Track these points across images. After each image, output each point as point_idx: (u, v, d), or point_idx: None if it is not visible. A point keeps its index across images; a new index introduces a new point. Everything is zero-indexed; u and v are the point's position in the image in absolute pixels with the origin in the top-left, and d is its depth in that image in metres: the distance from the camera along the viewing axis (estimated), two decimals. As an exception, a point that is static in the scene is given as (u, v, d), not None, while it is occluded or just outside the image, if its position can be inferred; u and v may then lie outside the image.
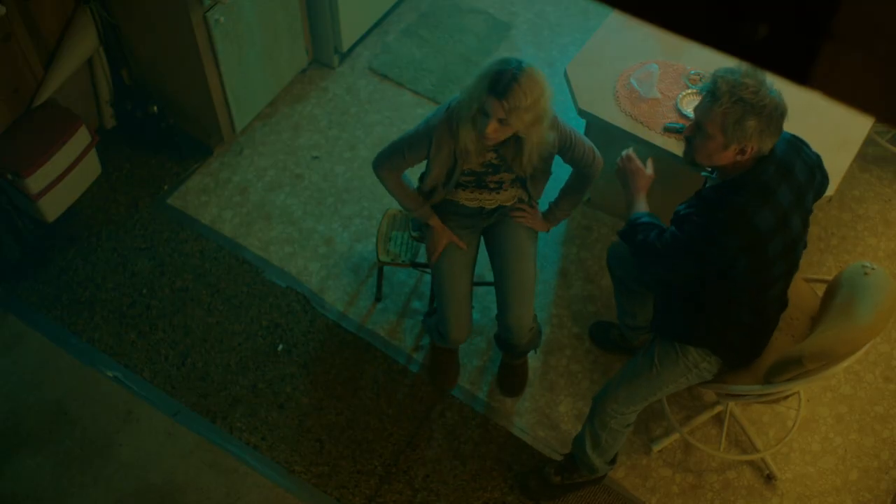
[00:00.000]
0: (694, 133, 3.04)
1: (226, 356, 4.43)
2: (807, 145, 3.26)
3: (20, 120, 4.62)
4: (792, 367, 3.25)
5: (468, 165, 3.56)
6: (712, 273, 3.13)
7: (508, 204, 3.80)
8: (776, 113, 2.89)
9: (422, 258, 4.38)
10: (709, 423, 4.22)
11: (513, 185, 3.72)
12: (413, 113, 5.28)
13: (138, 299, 4.61)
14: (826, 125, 3.97)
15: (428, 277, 4.53)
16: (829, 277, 3.71)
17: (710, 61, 4.18)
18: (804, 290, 3.76)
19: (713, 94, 2.91)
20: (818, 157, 3.28)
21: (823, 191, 3.36)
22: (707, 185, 3.26)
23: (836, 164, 3.86)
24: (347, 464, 4.13)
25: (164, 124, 5.07)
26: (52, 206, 4.71)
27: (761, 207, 2.99)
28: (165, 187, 5.02)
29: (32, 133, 4.59)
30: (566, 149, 3.60)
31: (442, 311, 3.91)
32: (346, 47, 5.46)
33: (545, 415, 4.23)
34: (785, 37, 1.08)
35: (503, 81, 3.19)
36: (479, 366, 4.39)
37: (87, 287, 4.66)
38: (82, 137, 4.71)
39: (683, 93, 4.10)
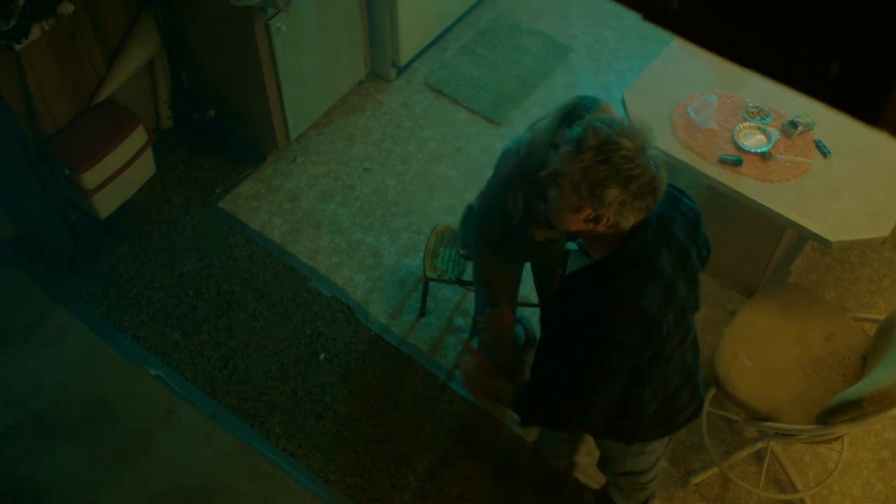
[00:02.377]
0: (550, 182, 2.54)
1: (267, 362, 4.45)
2: (686, 196, 2.84)
3: (80, 116, 4.70)
4: (850, 409, 3.20)
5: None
6: (624, 382, 2.67)
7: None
8: (647, 188, 2.41)
9: (468, 276, 4.38)
10: (748, 459, 4.17)
11: None
12: (467, 131, 5.29)
13: (185, 300, 4.65)
14: (883, 164, 3.93)
15: (472, 295, 4.52)
16: (881, 317, 3.66)
17: (769, 94, 4.16)
18: (854, 328, 3.71)
19: (578, 143, 2.40)
20: (698, 212, 2.84)
21: (709, 248, 2.98)
22: (568, 272, 2.76)
23: (891, 204, 3.81)
24: (382, 477, 4.13)
25: (220, 128, 5.12)
26: (106, 203, 4.78)
27: (646, 283, 2.56)
28: (218, 190, 5.07)
29: (91, 130, 4.66)
30: None
31: None
32: (403, 61, 5.49)
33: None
34: (857, 75, 1.07)
35: (578, 114, 2.89)
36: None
37: (136, 284, 4.71)
38: (139, 136, 4.78)
39: (741, 125, 4.07)
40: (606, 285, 2.56)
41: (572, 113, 2.94)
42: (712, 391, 3.90)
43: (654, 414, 2.89)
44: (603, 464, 3.50)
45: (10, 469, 4.17)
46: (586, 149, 2.38)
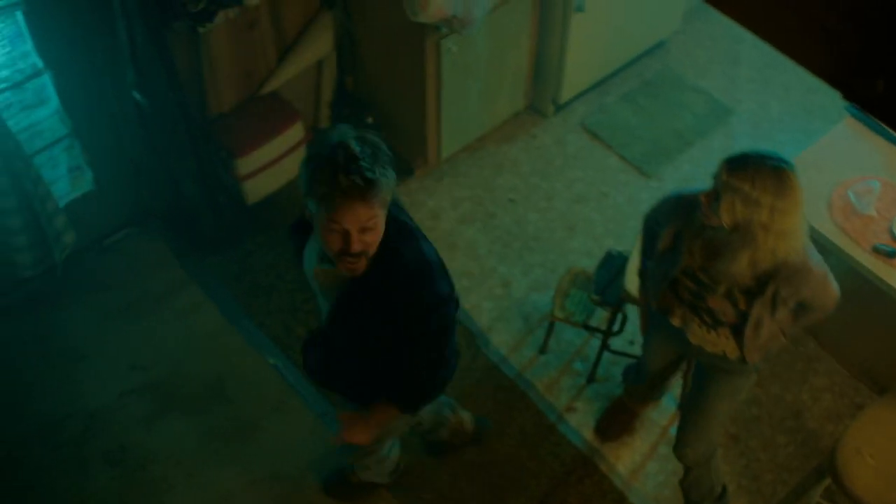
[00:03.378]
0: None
1: (383, 371, 4.49)
2: None
3: (245, 104, 4.84)
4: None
5: (689, 259, 3.13)
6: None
7: (712, 351, 3.35)
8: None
9: (595, 321, 4.35)
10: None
11: (723, 325, 3.24)
12: (616, 178, 5.26)
13: (312, 297, 4.69)
14: None
15: (595, 342, 4.49)
16: None
17: (936, 191, 4.03)
18: None
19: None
20: None
21: None
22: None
23: None
24: (476, 505, 4.12)
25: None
26: (255, 190, 4.90)
27: (419, 240, 2.81)
28: (363, 196, 5.14)
29: (253, 118, 4.79)
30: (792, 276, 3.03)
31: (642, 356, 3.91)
32: (563, 99, 5.50)
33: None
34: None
35: (743, 159, 2.82)
36: (628, 442, 4.31)
37: (269, 274, 4.81)
38: (297, 132, 4.89)
39: (901, 216, 3.96)
40: (407, 259, 2.71)
41: (740, 156, 2.90)
42: (826, 481, 3.78)
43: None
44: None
45: (122, 430, 4.30)
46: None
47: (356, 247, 2.56)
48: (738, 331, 3.22)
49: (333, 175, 2.46)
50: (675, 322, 3.32)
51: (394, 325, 2.79)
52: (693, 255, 3.10)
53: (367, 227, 2.55)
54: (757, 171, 2.76)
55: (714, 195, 2.85)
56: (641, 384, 4.06)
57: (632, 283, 3.93)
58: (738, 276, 2.99)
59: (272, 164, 4.85)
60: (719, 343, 3.30)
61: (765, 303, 3.07)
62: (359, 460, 3.84)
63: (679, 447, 3.75)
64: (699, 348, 3.36)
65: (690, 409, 3.69)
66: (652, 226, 3.37)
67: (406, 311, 2.76)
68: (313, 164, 2.53)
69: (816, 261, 3.05)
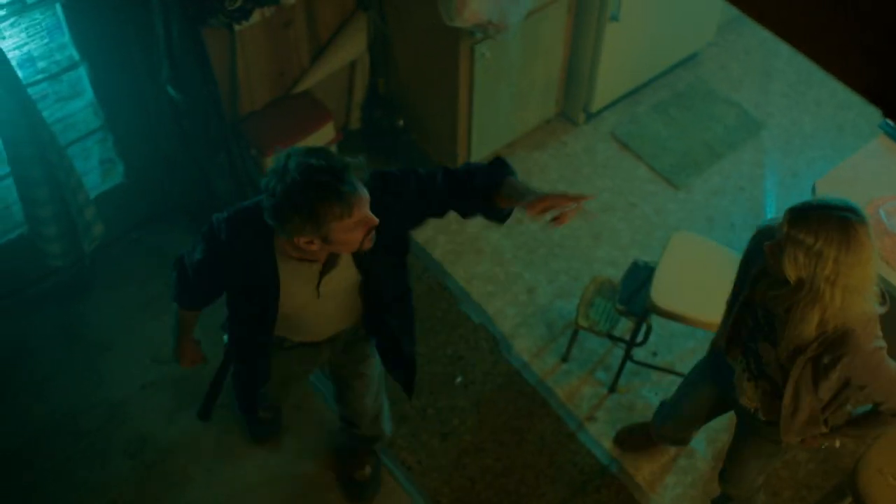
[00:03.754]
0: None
1: (405, 373, 4.50)
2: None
3: (277, 102, 4.86)
4: None
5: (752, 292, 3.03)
6: None
7: (745, 406, 3.28)
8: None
9: (618, 331, 4.34)
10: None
11: (765, 380, 3.14)
12: (644, 188, 5.25)
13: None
14: None
15: (618, 352, 4.47)
16: None
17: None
18: None
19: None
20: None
21: None
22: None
23: None
24: (493, 511, 4.12)
25: (406, 138, 5.22)
26: (284, 189, 4.91)
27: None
28: (391, 198, 5.15)
29: (284, 117, 4.81)
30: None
31: (677, 396, 3.85)
32: (595, 108, 5.49)
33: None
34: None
35: (806, 209, 2.70)
36: (647, 453, 4.30)
37: (295, 272, 4.82)
38: (327, 132, 4.90)
39: (932, 237, 3.93)
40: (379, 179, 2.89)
41: (805, 205, 2.80)
42: (847, 501, 3.76)
43: None
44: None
45: (143, 422, 4.33)
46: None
47: (375, 219, 2.72)
48: (775, 395, 3.09)
49: (335, 189, 2.58)
50: (730, 360, 3.23)
51: (415, 207, 3.01)
52: (756, 290, 2.97)
53: (368, 199, 2.72)
54: (821, 222, 2.62)
55: (777, 247, 2.72)
56: (668, 426, 3.96)
57: (657, 293, 3.92)
58: (805, 337, 2.82)
59: (302, 163, 4.86)
60: (754, 398, 3.19)
61: (805, 364, 2.89)
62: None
63: (722, 477, 3.73)
64: (735, 400, 3.28)
65: (731, 452, 3.63)
66: (745, 259, 3.18)
67: (408, 193, 2.96)
68: (309, 197, 2.58)
69: (875, 339, 2.82)
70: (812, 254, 2.62)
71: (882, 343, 2.84)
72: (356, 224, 2.68)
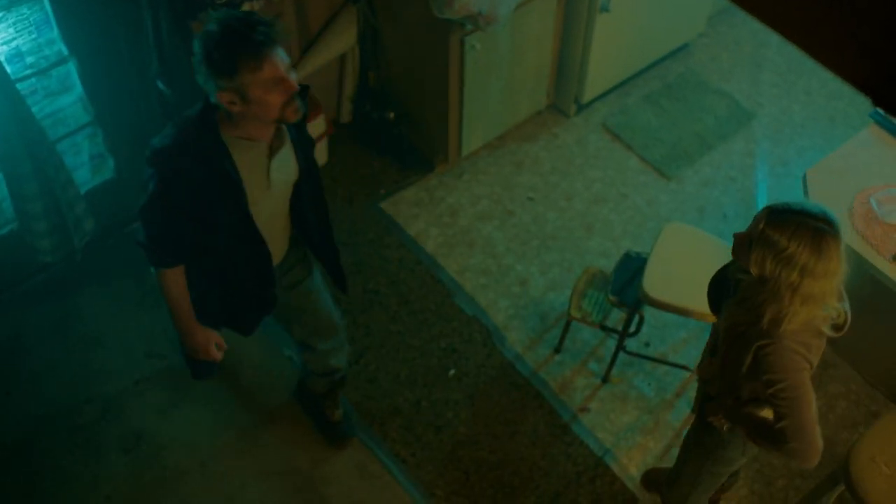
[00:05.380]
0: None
1: (398, 366, 4.50)
2: None
3: (267, 96, 4.84)
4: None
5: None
6: None
7: (702, 378, 3.35)
8: None
9: (611, 322, 4.35)
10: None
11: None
12: (635, 179, 5.26)
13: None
14: None
15: (611, 343, 4.48)
16: None
17: (958, 201, 4.01)
18: None
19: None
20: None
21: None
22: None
23: None
24: (487, 503, 4.12)
25: (396, 132, 5.22)
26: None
27: None
28: (382, 191, 5.16)
29: (275, 111, 4.79)
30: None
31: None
32: (586, 99, 5.49)
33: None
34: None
35: (786, 212, 2.67)
36: (641, 444, 4.31)
37: (287, 266, 4.82)
38: (319, 125, 4.90)
39: (922, 225, 3.94)
40: None
41: (781, 205, 2.77)
42: (839, 489, 3.78)
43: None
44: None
45: (137, 417, 4.32)
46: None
47: (296, 85, 2.80)
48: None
49: (247, 36, 2.68)
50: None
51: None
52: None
53: (289, 65, 2.79)
54: (797, 228, 2.61)
55: (748, 239, 2.73)
56: None
57: (649, 284, 3.93)
58: (744, 320, 2.85)
59: (293, 157, 4.86)
60: (708, 370, 3.19)
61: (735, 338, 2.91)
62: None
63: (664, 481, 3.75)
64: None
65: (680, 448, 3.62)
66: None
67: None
68: (222, 44, 2.69)
69: (801, 346, 2.78)
70: (781, 258, 2.63)
71: (806, 360, 2.78)
72: (272, 81, 2.73)
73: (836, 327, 2.83)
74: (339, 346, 4.00)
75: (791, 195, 5.11)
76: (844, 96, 5.72)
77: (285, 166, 3.12)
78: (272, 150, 3.02)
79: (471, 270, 4.85)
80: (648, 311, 4.28)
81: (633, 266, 4.22)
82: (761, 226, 2.67)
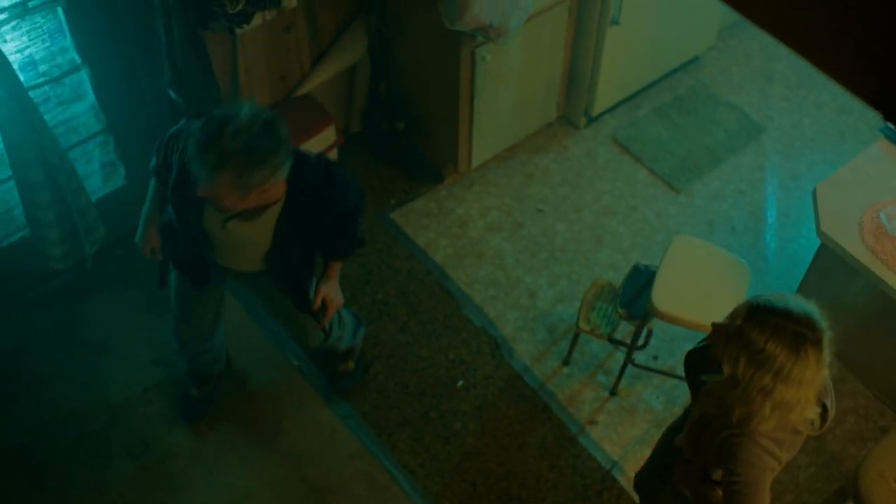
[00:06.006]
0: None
1: (406, 377, 4.50)
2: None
3: (278, 105, 4.86)
4: None
5: None
6: None
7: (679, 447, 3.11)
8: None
9: (620, 335, 4.35)
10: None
11: None
12: (644, 191, 5.26)
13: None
14: None
15: (619, 355, 4.48)
16: None
17: (969, 216, 4.01)
18: None
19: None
20: None
21: None
22: None
23: None
24: (495, 514, 4.13)
25: (406, 142, 5.23)
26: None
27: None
28: (392, 201, 5.17)
29: (286, 120, 4.80)
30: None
31: None
32: (596, 112, 5.50)
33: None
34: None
35: (767, 310, 2.55)
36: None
37: (296, 275, 4.83)
38: (329, 135, 4.91)
39: (932, 241, 3.93)
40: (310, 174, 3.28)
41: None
42: (848, 504, 3.77)
43: None
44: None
45: (144, 424, 4.33)
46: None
47: (235, 207, 3.07)
48: None
49: (198, 161, 2.92)
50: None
51: (326, 217, 3.36)
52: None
53: (241, 188, 2.96)
54: (776, 330, 2.48)
55: (725, 333, 2.59)
56: None
57: (658, 297, 3.93)
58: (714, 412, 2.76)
59: (303, 166, 4.87)
60: (685, 440, 3.01)
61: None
62: (334, 336, 4.07)
63: None
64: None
65: None
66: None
67: (330, 201, 3.32)
68: (191, 150, 2.95)
69: (771, 445, 2.68)
70: (755, 360, 2.50)
71: (775, 458, 2.69)
72: (214, 196, 2.99)
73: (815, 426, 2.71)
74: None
75: (801, 209, 5.12)
76: (854, 110, 5.72)
77: (251, 230, 3.30)
78: (230, 214, 3.20)
79: (480, 282, 4.85)
80: (657, 324, 4.28)
81: (641, 279, 4.22)
82: (739, 321, 2.55)
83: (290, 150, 3.06)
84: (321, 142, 4.86)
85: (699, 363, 2.97)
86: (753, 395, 2.53)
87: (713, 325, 2.67)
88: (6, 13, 3.77)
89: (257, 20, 4.29)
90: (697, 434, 2.88)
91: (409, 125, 5.21)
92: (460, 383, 4.49)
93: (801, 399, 2.54)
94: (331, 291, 3.58)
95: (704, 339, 3.02)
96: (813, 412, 2.67)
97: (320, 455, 4.28)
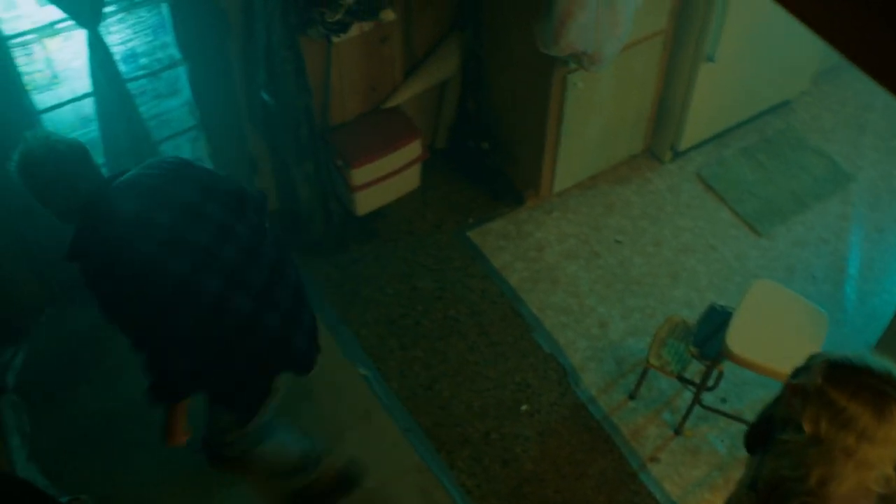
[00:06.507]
0: None
1: (471, 396, 4.49)
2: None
3: (367, 116, 4.91)
4: None
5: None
6: None
7: None
8: None
9: (689, 374, 4.30)
10: None
11: None
12: (726, 232, 5.20)
13: (411, 313, 4.77)
14: None
15: (687, 394, 4.43)
16: None
17: None
18: None
19: None
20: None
21: None
22: None
23: None
24: (548, 543, 4.10)
25: (490, 162, 5.24)
26: (366, 202, 4.96)
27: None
28: (471, 220, 5.18)
29: (373, 131, 4.86)
30: None
31: None
32: (682, 147, 5.46)
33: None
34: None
35: (847, 368, 2.47)
36: (708, 500, 4.24)
37: (370, 285, 4.86)
38: (414, 149, 4.94)
39: None
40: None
41: None
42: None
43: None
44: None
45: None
46: None
47: None
48: None
49: None
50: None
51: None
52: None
53: None
54: (858, 389, 2.38)
55: (804, 393, 2.48)
56: None
57: (733, 340, 3.88)
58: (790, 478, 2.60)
59: (387, 178, 4.91)
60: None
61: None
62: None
63: None
64: None
65: None
66: None
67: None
68: None
69: None
70: (838, 420, 2.40)
71: None
72: None
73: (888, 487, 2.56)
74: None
75: (885, 263, 5.03)
76: (947, 167, 5.62)
77: None
78: None
79: (552, 308, 4.84)
80: (728, 367, 4.22)
81: (717, 319, 4.16)
82: (819, 380, 2.45)
83: None
84: (407, 154, 4.90)
85: (767, 426, 2.84)
86: (835, 454, 2.43)
87: (788, 384, 2.58)
88: (114, 6, 3.86)
89: (355, 30, 4.35)
90: (766, 498, 2.81)
91: (495, 145, 5.22)
92: (524, 407, 4.47)
93: (883, 458, 2.44)
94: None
95: (766, 409, 2.93)
96: (890, 470, 2.61)
97: (379, 465, 4.26)
